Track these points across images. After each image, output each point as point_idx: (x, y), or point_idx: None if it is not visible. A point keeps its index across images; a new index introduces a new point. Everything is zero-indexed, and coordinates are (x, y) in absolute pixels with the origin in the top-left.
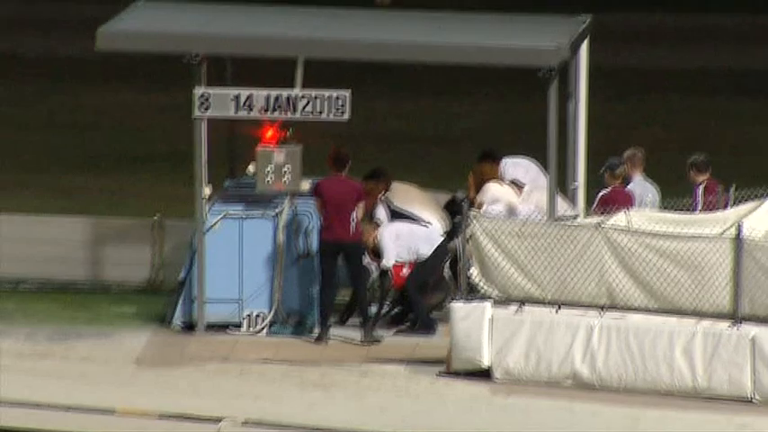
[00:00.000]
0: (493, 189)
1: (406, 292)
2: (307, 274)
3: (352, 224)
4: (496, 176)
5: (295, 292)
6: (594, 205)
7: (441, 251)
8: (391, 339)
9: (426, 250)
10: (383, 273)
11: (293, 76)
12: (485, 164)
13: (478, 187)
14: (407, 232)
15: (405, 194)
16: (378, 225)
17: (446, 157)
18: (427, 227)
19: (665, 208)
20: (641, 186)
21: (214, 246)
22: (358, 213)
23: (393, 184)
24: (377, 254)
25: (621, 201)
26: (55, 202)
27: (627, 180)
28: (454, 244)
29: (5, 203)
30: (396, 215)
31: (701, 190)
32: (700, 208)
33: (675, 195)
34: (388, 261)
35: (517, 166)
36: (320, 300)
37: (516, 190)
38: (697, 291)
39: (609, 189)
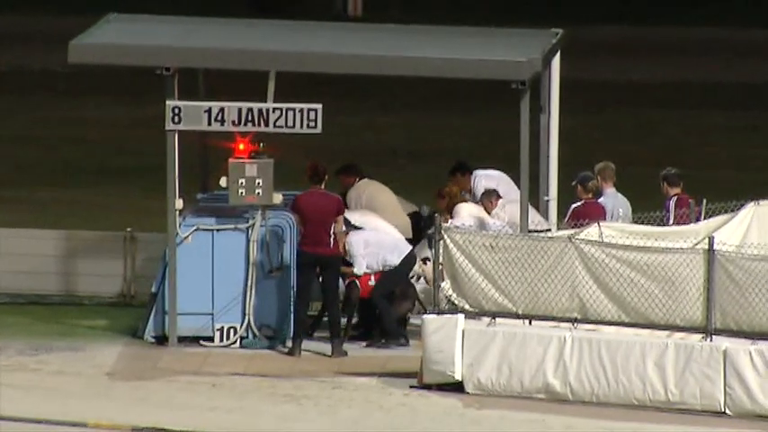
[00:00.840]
0: (464, 210)
1: (372, 302)
2: (279, 288)
3: (331, 238)
4: (467, 189)
5: (267, 305)
6: (567, 218)
7: (408, 261)
8: (363, 352)
9: (394, 260)
10: (350, 284)
11: (266, 90)
12: (456, 176)
13: (449, 209)
14: (376, 241)
15: (372, 196)
16: (346, 233)
17: (419, 170)
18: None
19: (637, 221)
20: (613, 199)
21: (186, 259)
22: (336, 227)
23: (365, 182)
24: (345, 262)
25: (594, 214)
26: (27, 216)
27: (598, 193)
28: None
29: None
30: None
31: (672, 203)
32: (672, 221)
33: (647, 209)
34: (360, 268)
35: (489, 179)
36: (294, 313)
37: (493, 201)
38: (669, 304)
39: (581, 202)
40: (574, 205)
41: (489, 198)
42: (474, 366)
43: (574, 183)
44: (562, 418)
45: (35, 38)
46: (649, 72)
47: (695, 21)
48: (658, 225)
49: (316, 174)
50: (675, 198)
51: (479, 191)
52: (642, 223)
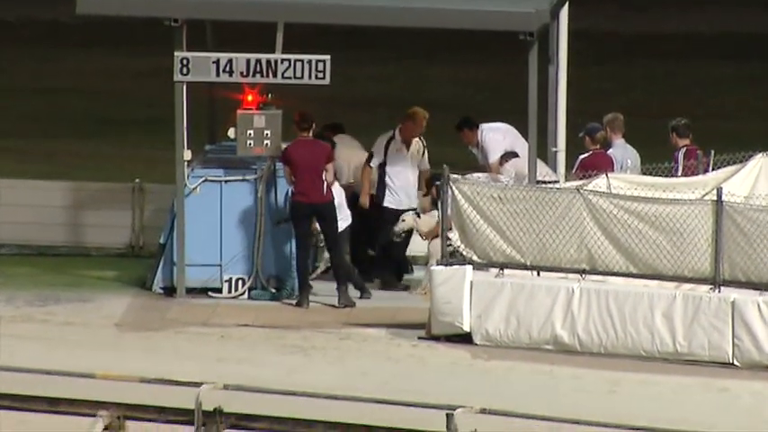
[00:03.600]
0: None
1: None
2: (287, 239)
3: (324, 185)
4: (475, 143)
5: (275, 256)
6: (575, 169)
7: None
8: (372, 303)
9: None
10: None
11: (274, 41)
12: (464, 131)
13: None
14: (339, 193)
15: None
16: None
17: (427, 122)
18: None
19: (646, 172)
20: (622, 150)
21: (194, 210)
22: (328, 176)
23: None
24: None
25: (602, 165)
26: (35, 167)
27: (607, 144)
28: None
29: None
30: None
31: (681, 154)
32: (680, 172)
33: (655, 160)
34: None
35: (495, 132)
36: (297, 263)
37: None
38: (677, 255)
39: (589, 153)
40: (582, 156)
41: (507, 160)
42: (482, 318)
43: (581, 134)
44: (570, 369)
45: None
46: (658, 23)
47: None
48: (667, 176)
49: (304, 120)
50: (684, 149)
51: (488, 145)
52: (651, 174)
